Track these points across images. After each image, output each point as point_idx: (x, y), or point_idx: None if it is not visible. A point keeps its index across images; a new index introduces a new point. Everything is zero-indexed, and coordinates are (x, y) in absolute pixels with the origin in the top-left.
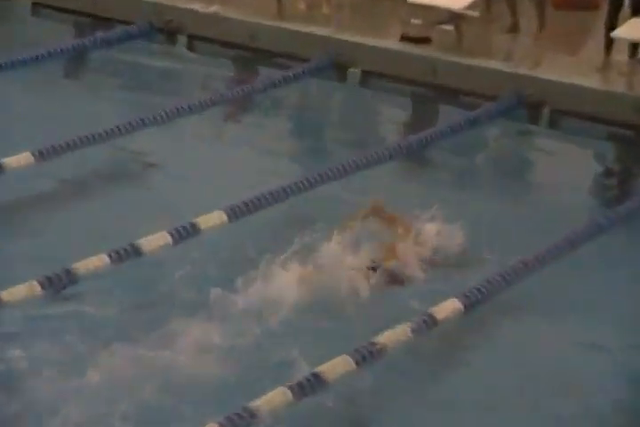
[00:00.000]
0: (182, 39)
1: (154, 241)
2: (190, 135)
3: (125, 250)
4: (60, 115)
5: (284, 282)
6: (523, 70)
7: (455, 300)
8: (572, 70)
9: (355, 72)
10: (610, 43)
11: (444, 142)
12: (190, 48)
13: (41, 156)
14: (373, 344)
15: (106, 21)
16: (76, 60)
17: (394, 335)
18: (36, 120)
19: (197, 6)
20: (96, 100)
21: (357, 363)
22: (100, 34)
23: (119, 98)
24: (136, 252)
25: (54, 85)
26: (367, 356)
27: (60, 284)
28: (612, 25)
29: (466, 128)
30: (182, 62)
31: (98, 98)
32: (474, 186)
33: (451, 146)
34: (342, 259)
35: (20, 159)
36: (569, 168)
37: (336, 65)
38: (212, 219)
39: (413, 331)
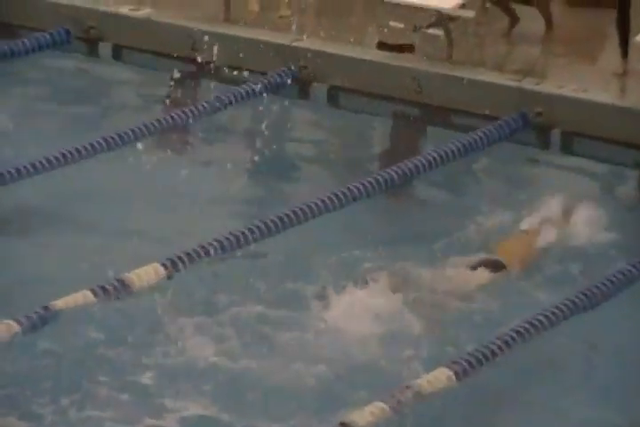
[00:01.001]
0: (106, 49)
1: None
2: (121, 171)
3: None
4: None
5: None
6: (529, 84)
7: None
8: (587, 83)
9: (321, 88)
10: (626, 48)
11: (432, 174)
12: (116, 59)
13: None
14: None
15: (14, 29)
16: None
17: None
18: None
19: (125, 10)
20: None
21: None
22: (4, 44)
23: (27, 122)
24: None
25: None
26: None
27: None
28: (624, 25)
29: (460, 156)
30: (106, 78)
31: None
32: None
33: (441, 178)
34: None
35: None
36: (587, 203)
37: (298, 79)
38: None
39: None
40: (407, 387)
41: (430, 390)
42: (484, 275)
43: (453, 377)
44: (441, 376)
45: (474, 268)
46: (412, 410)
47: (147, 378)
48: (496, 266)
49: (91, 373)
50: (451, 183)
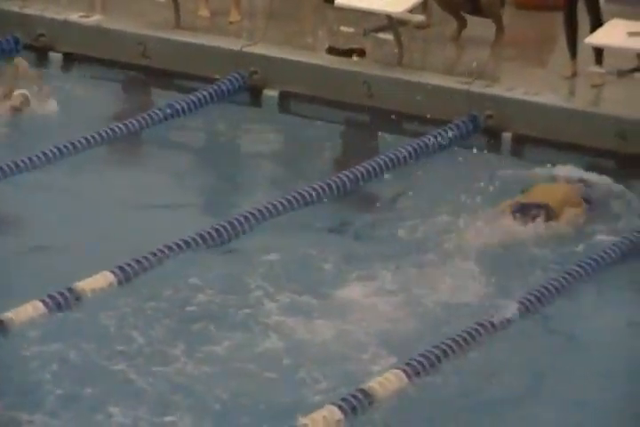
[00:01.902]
0: (56, 57)
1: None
2: (73, 178)
3: None
4: None
5: None
6: (478, 87)
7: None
8: (537, 86)
9: (272, 94)
10: (574, 49)
11: (384, 179)
12: (66, 68)
13: None
14: None
15: None
16: None
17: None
18: None
19: (74, 17)
20: None
21: None
22: None
23: None
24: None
25: None
26: None
27: None
28: (572, 28)
29: (411, 160)
30: (56, 86)
31: None
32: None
33: (392, 182)
34: None
35: None
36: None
37: (249, 86)
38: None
39: (345, 412)
40: None
41: None
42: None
43: None
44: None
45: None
46: None
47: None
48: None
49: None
50: (402, 186)
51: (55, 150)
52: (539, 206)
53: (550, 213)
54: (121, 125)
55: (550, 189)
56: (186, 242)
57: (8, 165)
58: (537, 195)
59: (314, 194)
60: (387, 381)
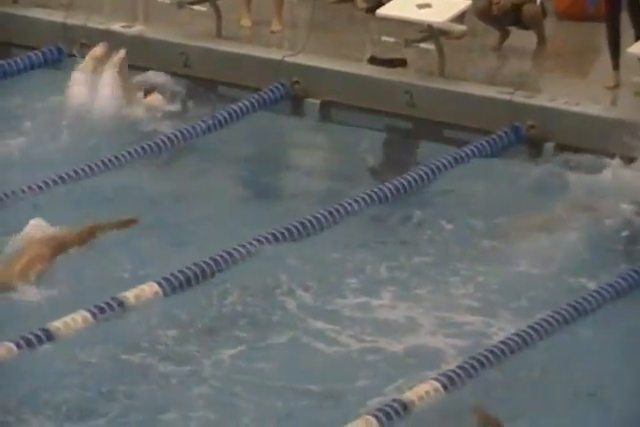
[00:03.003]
0: None
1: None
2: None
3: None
4: None
5: None
6: (520, 98)
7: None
8: (579, 96)
9: (314, 103)
10: (617, 60)
11: (426, 189)
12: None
13: None
14: None
15: (5, 48)
16: None
17: None
18: None
19: (116, 27)
20: None
21: None
22: None
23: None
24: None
25: None
26: None
27: None
28: (615, 38)
29: (452, 169)
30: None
31: None
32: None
33: (434, 192)
34: None
35: None
36: (590, 220)
37: (291, 95)
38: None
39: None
40: None
41: None
42: None
43: None
44: None
45: None
46: None
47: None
48: None
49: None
50: (444, 197)
51: (107, 162)
52: None
53: None
54: (164, 138)
55: None
56: (229, 253)
57: (60, 177)
58: None
59: (355, 205)
60: (423, 391)
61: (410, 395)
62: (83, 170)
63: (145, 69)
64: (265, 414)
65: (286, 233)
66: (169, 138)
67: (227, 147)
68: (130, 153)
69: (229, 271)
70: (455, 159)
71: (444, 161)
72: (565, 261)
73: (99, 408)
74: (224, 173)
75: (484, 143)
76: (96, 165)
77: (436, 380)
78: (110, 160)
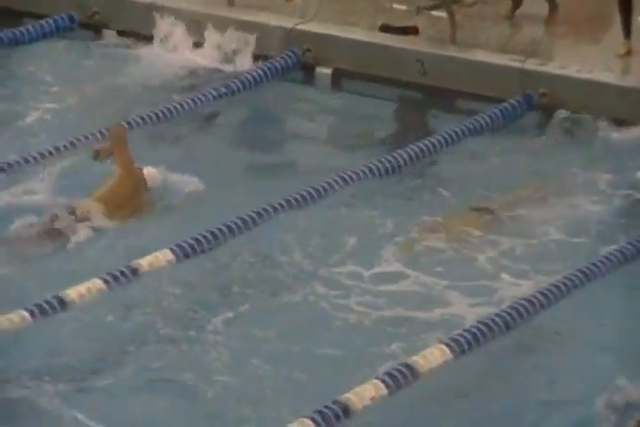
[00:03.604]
0: (110, 34)
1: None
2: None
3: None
4: None
5: None
6: (532, 65)
7: (441, 346)
8: (590, 63)
9: (325, 72)
10: (629, 28)
11: (436, 157)
12: (122, 45)
13: None
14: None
15: (13, 15)
16: None
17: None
18: None
19: None
20: None
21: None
22: (9, 31)
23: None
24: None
25: None
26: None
27: None
28: (627, 6)
29: (464, 138)
30: (110, 64)
31: None
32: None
33: (445, 161)
34: None
35: None
36: (605, 186)
37: (302, 64)
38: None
39: (389, 387)
40: None
41: None
42: None
43: None
44: None
45: None
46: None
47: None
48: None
49: None
50: (455, 166)
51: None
52: None
53: None
54: (176, 104)
55: None
56: (242, 219)
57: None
58: None
59: (368, 172)
60: (431, 355)
61: (418, 359)
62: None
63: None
64: (276, 376)
65: (296, 201)
66: (181, 105)
67: (238, 115)
68: (143, 118)
69: (241, 238)
70: (467, 127)
71: (457, 129)
72: (584, 227)
73: (112, 371)
74: (235, 141)
75: (496, 111)
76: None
77: (446, 344)
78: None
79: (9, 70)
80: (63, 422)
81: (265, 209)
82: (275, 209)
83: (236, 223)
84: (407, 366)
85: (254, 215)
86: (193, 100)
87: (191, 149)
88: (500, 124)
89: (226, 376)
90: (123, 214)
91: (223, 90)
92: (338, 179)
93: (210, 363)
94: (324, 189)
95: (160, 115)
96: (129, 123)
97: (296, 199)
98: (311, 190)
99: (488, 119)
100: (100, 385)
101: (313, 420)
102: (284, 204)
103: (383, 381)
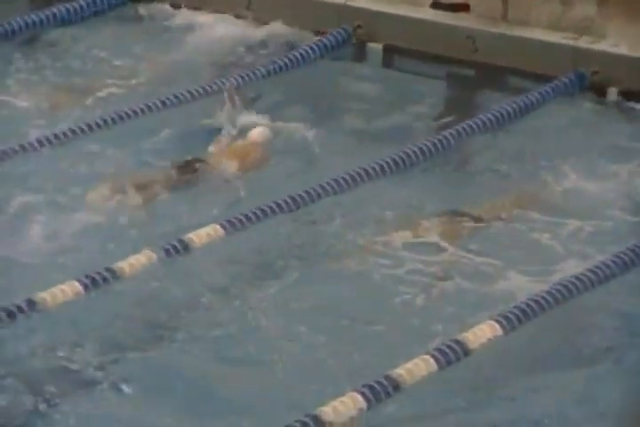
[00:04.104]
0: (162, 8)
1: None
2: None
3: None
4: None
5: None
6: (584, 43)
7: (492, 322)
8: None
9: (376, 49)
10: None
11: (487, 135)
12: (174, 20)
13: None
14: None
15: None
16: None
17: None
18: None
19: None
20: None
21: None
22: (60, 5)
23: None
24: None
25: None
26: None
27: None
28: None
29: (515, 116)
30: (160, 38)
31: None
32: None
33: (497, 138)
34: None
35: None
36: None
37: (353, 40)
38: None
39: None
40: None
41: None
42: None
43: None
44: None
45: None
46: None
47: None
48: None
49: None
50: (508, 143)
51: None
52: None
53: None
54: (224, 80)
55: None
56: (292, 198)
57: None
58: None
59: (418, 152)
60: (481, 332)
61: (468, 335)
62: (148, 106)
63: (207, 11)
64: (324, 350)
65: (346, 181)
66: (235, 79)
67: (286, 92)
68: (190, 93)
69: (292, 214)
70: (519, 105)
71: (508, 107)
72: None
73: (165, 339)
74: (283, 118)
75: (548, 89)
76: (154, 104)
77: (495, 320)
78: (169, 99)
79: (66, 47)
80: (112, 392)
81: (313, 189)
82: (323, 189)
83: (285, 201)
84: (457, 342)
85: (296, 197)
86: (241, 76)
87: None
88: (550, 101)
89: (275, 349)
90: (247, 168)
91: (271, 66)
92: (388, 160)
93: (258, 335)
94: (374, 169)
95: (208, 88)
96: (176, 96)
97: (341, 181)
98: (360, 171)
99: (539, 96)
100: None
101: (362, 394)
102: (333, 183)
103: (433, 356)
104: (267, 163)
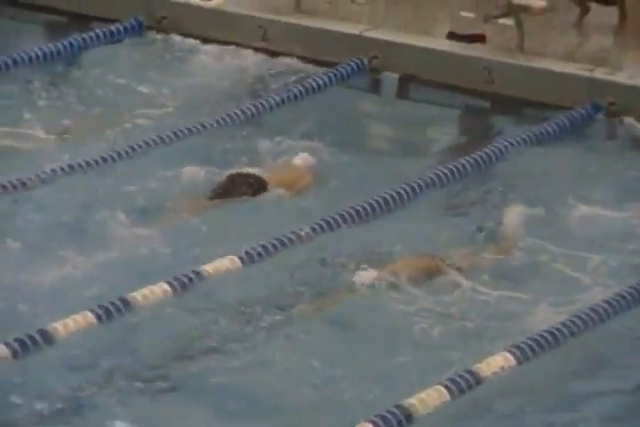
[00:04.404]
0: (178, 39)
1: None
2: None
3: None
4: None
5: None
6: (600, 74)
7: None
8: None
9: (391, 79)
10: None
11: (504, 165)
12: (190, 52)
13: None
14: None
15: (84, 20)
16: (51, 66)
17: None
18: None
19: (196, 0)
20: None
21: None
22: (77, 35)
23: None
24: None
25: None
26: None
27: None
28: None
29: (531, 146)
30: (184, 65)
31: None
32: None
33: (511, 168)
34: None
35: None
36: None
37: (369, 70)
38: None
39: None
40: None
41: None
42: None
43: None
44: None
45: None
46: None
47: None
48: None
49: None
50: (522, 173)
51: (172, 135)
52: None
53: None
54: (238, 111)
55: None
56: (313, 229)
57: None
58: None
59: (436, 179)
60: (494, 362)
61: (481, 366)
62: (175, 134)
63: (223, 43)
64: (338, 380)
65: (365, 210)
66: (242, 111)
67: (301, 121)
68: (205, 124)
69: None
70: (534, 135)
71: (524, 136)
72: None
73: (180, 367)
74: (299, 147)
75: (564, 119)
76: (174, 133)
77: (509, 352)
78: (187, 129)
79: (82, 75)
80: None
81: (333, 218)
82: (335, 221)
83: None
84: (470, 372)
85: (323, 224)
86: (254, 105)
87: (252, 153)
88: (566, 131)
89: (287, 379)
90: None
91: (285, 95)
92: (406, 187)
93: (269, 365)
94: (393, 197)
95: (221, 122)
96: (189, 129)
97: (358, 211)
98: (379, 200)
99: (555, 127)
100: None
101: (374, 424)
102: (346, 215)
103: (446, 387)
104: (310, 188)
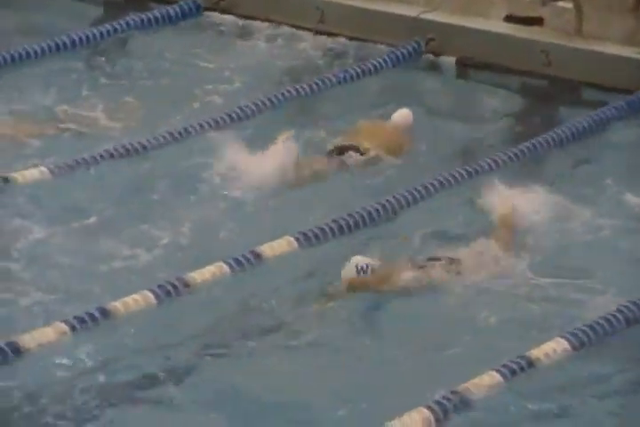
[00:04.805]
0: (235, 20)
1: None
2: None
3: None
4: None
5: None
6: None
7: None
8: None
9: (449, 62)
10: None
11: (562, 149)
12: (247, 32)
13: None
14: (454, 393)
15: (142, 0)
16: (104, 49)
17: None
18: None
19: None
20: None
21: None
22: (135, 15)
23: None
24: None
25: (80, 80)
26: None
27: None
28: None
29: (590, 131)
30: (236, 48)
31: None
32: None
33: (571, 153)
34: None
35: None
36: None
37: (427, 53)
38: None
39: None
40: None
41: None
42: None
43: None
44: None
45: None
46: None
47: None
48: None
49: None
50: (583, 157)
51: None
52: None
53: None
54: (291, 89)
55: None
56: (361, 215)
57: None
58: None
59: (493, 164)
60: (550, 349)
61: (536, 352)
62: (230, 116)
63: (280, 24)
64: (393, 364)
65: (420, 193)
66: (296, 90)
67: (357, 103)
68: (262, 102)
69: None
70: (594, 120)
71: (583, 122)
72: None
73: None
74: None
75: (623, 104)
76: (222, 118)
77: (564, 338)
78: (241, 110)
79: (138, 55)
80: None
81: (388, 200)
82: (392, 202)
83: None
84: (524, 357)
85: (372, 211)
86: (310, 85)
87: (306, 129)
88: (625, 116)
89: (331, 368)
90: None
91: (341, 75)
92: (463, 172)
93: (305, 360)
94: (448, 180)
95: (275, 100)
96: (241, 109)
97: (415, 193)
98: (434, 182)
99: (614, 111)
100: None
101: (431, 409)
102: (409, 196)
103: (499, 371)
104: (409, 148)
